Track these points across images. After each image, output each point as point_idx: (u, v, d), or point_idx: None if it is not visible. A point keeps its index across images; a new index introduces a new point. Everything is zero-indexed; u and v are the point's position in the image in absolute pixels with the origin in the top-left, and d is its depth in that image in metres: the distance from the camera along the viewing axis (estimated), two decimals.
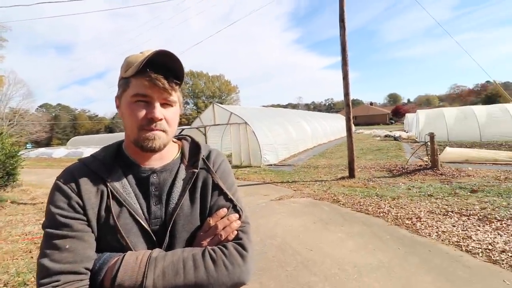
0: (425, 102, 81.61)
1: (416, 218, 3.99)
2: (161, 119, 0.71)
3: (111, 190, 0.71)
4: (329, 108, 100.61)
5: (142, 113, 0.70)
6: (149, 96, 0.70)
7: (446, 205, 4.46)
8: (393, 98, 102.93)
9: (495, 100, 39.48)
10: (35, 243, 3.93)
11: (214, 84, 56.59)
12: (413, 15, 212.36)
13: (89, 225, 0.68)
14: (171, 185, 0.77)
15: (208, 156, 0.85)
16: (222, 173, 0.83)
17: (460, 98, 69.77)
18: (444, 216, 4.00)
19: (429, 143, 7.38)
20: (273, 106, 59.48)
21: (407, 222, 3.89)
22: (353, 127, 8.39)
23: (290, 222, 4.23)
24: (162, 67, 0.70)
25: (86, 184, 0.71)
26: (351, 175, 7.16)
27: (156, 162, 0.79)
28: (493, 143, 11.67)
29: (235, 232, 0.74)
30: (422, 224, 3.76)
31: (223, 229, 0.74)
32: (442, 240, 3.31)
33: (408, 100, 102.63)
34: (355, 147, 7.50)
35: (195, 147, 0.87)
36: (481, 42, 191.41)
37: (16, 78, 30.21)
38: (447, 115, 14.61)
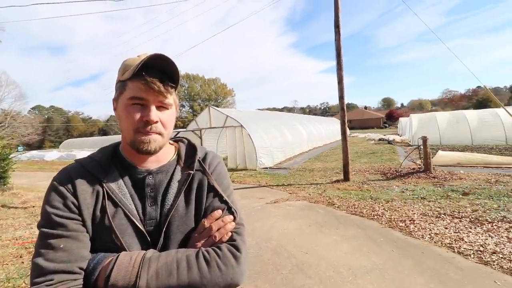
0: (418, 107, 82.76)
1: (410, 220, 4.04)
2: (156, 122, 0.72)
3: (106, 191, 0.72)
4: (325, 111, 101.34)
5: (138, 115, 0.71)
6: (145, 99, 0.71)
7: (439, 207, 4.52)
8: (387, 102, 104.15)
9: (486, 105, 40.27)
10: (26, 248, 3.86)
11: (210, 87, 56.65)
12: (406, 21, 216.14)
13: (84, 225, 0.69)
14: (166, 186, 0.78)
15: (204, 158, 0.86)
16: (218, 175, 0.84)
17: (452, 102, 70.94)
18: (437, 219, 4.05)
19: (422, 147, 7.49)
20: (269, 109, 59.77)
21: (400, 224, 3.94)
22: (348, 131, 8.47)
23: (286, 225, 4.24)
24: (158, 70, 0.72)
25: (82, 184, 0.71)
26: (346, 178, 7.22)
27: (152, 164, 0.79)
28: (484, 147, 11.89)
29: (230, 234, 0.75)
30: (415, 227, 3.81)
31: (217, 230, 0.74)
32: (435, 242, 3.35)
33: (402, 105, 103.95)
34: (350, 150, 7.56)
35: (191, 149, 0.88)
36: (473, 48, 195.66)
37: (8, 80, 29.75)
38: (440, 119, 14.85)
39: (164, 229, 0.73)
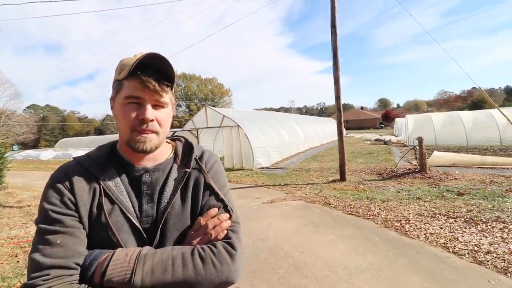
0: (414, 107, 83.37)
1: (405, 220, 4.07)
2: (152, 120, 0.73)
3: (103, 188, 0.73)
4: (321, 112, 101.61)
5: (134, 114, 0.72)
6: (141, 98, 0.72)
7: (434, 207, 4.56)
8: (383, 103, 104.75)
9: (481, 106, 40.72)
10: (21, 247, 3.83)
11: (207, 87, 56.48)
12: (403, 22, 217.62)
13: (81, 221, 0.70)
14: (163, 184, 0.79)
15: (201, 157, 0.86)
16: (214, 173, 0.85)
17: (447, 103, 71.60)
18: (432, 219, 4.09)
19: (417, 147, 7.55)
20: (265, 109, 59.78)
21: (396, 224, 3.97)
22: (344, 131, 8.51)
23: (282, 224, 4.25)
24: (153, 69, 0.72)
25: (79, 181, 0.72)
26: (342, 178, 7.25)
27: (149, 162, 0.80)
28: (479, 147, 12.02)
29: (225, 232, 0.76)
30: (410, 226, 3.84)
31: (213, 228, 0.75)
32: (430, 241, 3.38)
33: (398, 105, 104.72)
34: (346, 150, 7.60)
35: (188, 147, 0.88)
36: (468, 50, 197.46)
37: (3, 78, 29.43)
38: (435, 120, 14.98)
39: (160, 226, 0.74)
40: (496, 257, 2.90)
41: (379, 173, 7.86)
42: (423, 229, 3.72)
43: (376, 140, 19.85)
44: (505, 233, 3.42)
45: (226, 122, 10.98)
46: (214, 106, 18.10)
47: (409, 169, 7.77)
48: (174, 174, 0.80)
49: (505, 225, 3.65)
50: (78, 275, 0.65)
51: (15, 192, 7.95)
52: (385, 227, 3.93)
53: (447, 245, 3.25)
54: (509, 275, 2.57)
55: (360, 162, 10.46)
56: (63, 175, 0.73)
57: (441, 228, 3.73)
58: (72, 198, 0.70)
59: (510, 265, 2.72)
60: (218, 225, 0.75)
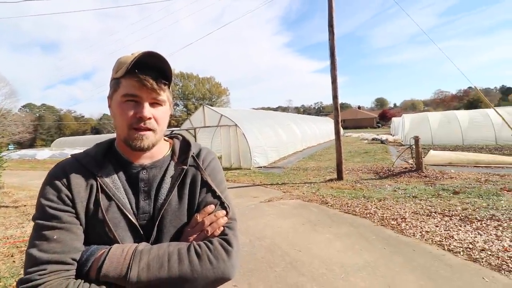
0: (411, 107, 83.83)
1: (401, 218, 4.11)
2: (149, 118, 0.74)
3: (100, 185, 0.73)
4: (319, 111, 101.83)
5: (132, 112, 0.73)
6: (138, 96, 0.73)
7: (430, 206, 4.60)
8: (380, 102, 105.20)
9: (477, 106, 41.08)
10: (17, 247, 3.81)
11: (205, 86, 56.37)
12: (400, 22, 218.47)
13: (78, 217, 0.70)
14: (160, 181, 0.79)
15: (198, 154, 0.87)
16: (211, 171, 0.85)
17: (443, 103, 72.04)
18: (428, 217, 4.12)
19: (414, 146, 7.60)
20: (263, 108, 59.81)
21: (392, 222, 4.00)
22: (342, 130, 8.54)
23: (279, 223, 4.27)
24: (151, 67, 0.73)
25: (76, 178, 0.73)
26: (339, 177, 7.28)
27: (146, 159, 0.81)
28: (475, 146, 12.13)
29: (221, 228, 0.76)
30: (406, 225, 3.87)
31: (209, 225, 0.75)
32: (425, 239, 3.41)
33: (395, 105, 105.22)
34: (344, 150, 7.63)
35: (185, 145, 0.89)
36: (465, 49, 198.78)
37: None
38: (431, 120, 15.08)
39: (157, 223, 0.74)
40: (490, 254, 2.94)
41: (376, 172, 7.91)
42: (419, 227, 3.75)
43: (373, 139, 19.95)
44: (499, 231, 3.47)
45: (224, 121, 10.97)
46: (211, 105, 18.05)
47: (406, 168, 7.83)
48: (171, 171, 0.81)
49: (499, 223, 3.69)
50: (75, 271, 0.66)
51: (10, 191, 7.90)
52: (382, 225, 3.96)
53: (443, 243, 3.29)
54: (503, 272, 2.61)
55: (357, 161, 10.51)
56: (60, 172, 0.73)
57: (437, 226, 3.77)
58: (69, 194, 0.70)
59: (504, 263, 2.76)
60: (214, 222, 0.76)
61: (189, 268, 0.66)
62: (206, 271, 0.67)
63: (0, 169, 7.46)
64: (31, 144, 48.18)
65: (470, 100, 54.74)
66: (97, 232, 0.71)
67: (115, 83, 0.75)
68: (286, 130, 14.70)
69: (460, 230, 3.59)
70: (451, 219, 3.96)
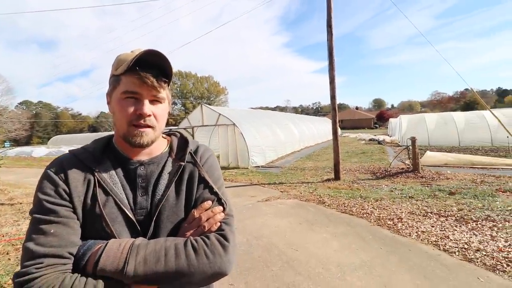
0: (408, 108, 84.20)
1: (398, 218, 4.13)
2: (149, 115, 0.74)
3: (98, 180, 0.73)
4: (317, 111, 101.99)
5: (132, 109, 0.73)
6: (138, 93, 0.73)
7: (426, 206, 4.63)
8: (378, 103, 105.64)
9: (473, 107, 41.40)
10: (13, 244, 3.78)
11: (203, 85, 56.28)
12: (398, 23, 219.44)
13: (75, 212, 0.70)
14: (157, 177, 0.79)
15: (196, 151, 0.88)
16: (209, 167, 0.86)
17: (440, 104, 72.47)
18: (424, 217, 4.15)
19: (411, 147, 7.64)
20: (261, 108, 59.80)
21: (389, 222, 4.02)
22: (339, 131, 8.57)
23: (277, 222, 4.27)
24: (151, 65, 0.73)
25: (73, 173, 0.73)
26: (337, 177, 7.31)
27: (144, 156, 0.81)
28: (471, 148, 12.21)
29: (218, 224, 0.77)
30: (403, 225, 3.90)
31: (206, 220, 0.76)
32: (421, 239, 3.44)
33: (392, 106, 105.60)
34: (341, 150, 7.66)
35: (183, 142, 0.89)
36: (462, 51, 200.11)
37: None
38: (428, 121, 15.17)
39: (154, 218, 0.75)
40: (485, 254, 2.97)
41: (373, 172, 7.95)
42: (415, 228, 3.78)
43: (370, 140, 20.03)
44: (494, 231, 3.50)
45: (222, 120, 10.96)
46: (210, 105, 18.04)
47: (402, 168, 7.87)
48: (168, 167, 0.81)
49: (494, 223, 3.73)
50: (71, 265, 0.66)
51: (6, 189, 7.83)
52: (378, 225, 3.98)
53: (438, 243, 3.31)
54: (497, 272, 2.63)
55: (354, 161, 10.55)
56: (58, 167, 0.74)
57: (433, 226, 3.79)
58: (67, 189, 0.70)
59: (498, 263, 2.78)
60: (211, 218, 0.76)
61: (186, 262, 0.67)
62: (203, 265, 0.68)
63: None
64: (27, 142, 47.82)
65: (466, 102, 55.14)
66: (94, 227, 0.71)
67: (115, 80, 0.76)
68: (284, 130, 14.71)
69: (456, 230, 3.62)
70: (446, 220, 3.99)
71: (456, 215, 4.12)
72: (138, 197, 0.76)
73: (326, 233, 3.80)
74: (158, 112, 0.77)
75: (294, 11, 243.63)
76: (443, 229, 3.69)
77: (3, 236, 4.12)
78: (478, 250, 3.06)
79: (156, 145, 0.82)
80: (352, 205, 4.92)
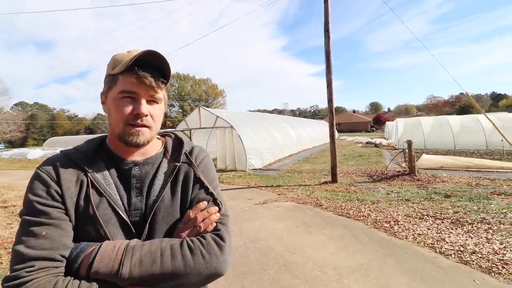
0: (404, 111, 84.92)
1: (394, 221, 4.14)
2: (146, 115, 0.74)
3: (91, 180, 0.72)
4: (314, 114, 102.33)
5: (129, 108, 0.73)
6: (136, 92, 0.73)
7: (422, 209, 4.65)
8: (375, 107, 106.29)
9: (468, 111, 41.77)
10: (5, 248, 3.73)
11: (201, 88, 56.22)
12: (395, 28, 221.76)
13: (67, 213, 0.69)
14: (152, 177, 0.79)
15: (191, 151, 0.87)
16: (204, 168, 0.85)
17: (436, 108, 73.02)
18: (420, 220, 4.17)
19: (407, 150, 7.68)
20: (259, 111, 59.86)
21: (385, 225, 4.03)
22: (337, 134, 8.61)
23: (274, 225, 4.26)
24: (150, 65, 0.73)
25: (66, 173, 0.71)
26: (334, 180, 7.32)
27: (139, 156, 0.80)
28: (466, 151, 12.32)
29: (214, 224, 0.76)
30: (399, 227, 3.91)
31: (202, 221, 0.75)
32: (418, 242, 3.45)
33: (389, 109, 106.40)
34: (338, 153, 7.68)
35: (178, 142, 0.89)
36: (457, 56, 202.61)
37: None
38: (424, 124, 15.29)
39: (149, 219, 0.74)
40: (481, 257, 2.98)
41: (370, 175, 7.97)
42: (411, 230, 3.79)
43: (367, 143, 20.14)
44: (490, 234, 3.52)
45: (220, 123, 10.95)
46: (208, 107, 18.01)
47: (399, 171, 7.90)
48: (164, 168, 0.81)
49: (489, 226, 3.75)
50: (64, 268, 0.64)
51: (0, 191, 7.74)
52: (375, 228, 3.99)
53: (434, 245, 3.32)
54: (493, 275, 2.65)
55: (351, 164, 10.58)
56: (49, 167, 0.72)
57: (429, 229, 3.81)
58: (59, 190, 0.69)
59: (494, 265, 2.80)
60: (207, 218, 0.76)
61: (182, 263, 0.66)
62: (199, 266, 0.67)
63: None
64: (22, 143, 47.35)
65: (461, 106, 55.68)
66: (87, 228, 0.69)
67: (112, 79, 0.75)
68: (282, 133, 14.73)
69: (452, 233, 3.64)
70: (442, 222, 4.01)
71: (452, 218, 4.14)
72: (133, 198, 0.75)
73: (323, 236, 3.80)
74: (154, 113, 0.77)
75: (292, 16, 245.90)
76: (439, 231, 3.70)
77: None
78: (473, 253, 3.08)
79: (150, 146, 0.82)
80: (349, 208, 4.93)
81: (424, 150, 12.76)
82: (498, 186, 5.84)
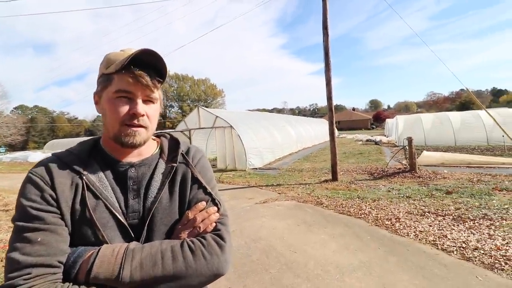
0: (404, 108, 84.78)
1: (395, 218, 4.13)
2: (143, 115, 0.73)
3: (86, 183, 0.70)
4: (314, 112, 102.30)
5: (125, 108, 0.71)
6: (132, 92, 0.72)
7: (423, 206, 4.64)
8: (374, 104, 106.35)
9: (469, 107, 41.72)
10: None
11: (200, 88, 56.21)
12: (393, 24, 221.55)
13: (63, 218, 0.67)
14: (149, 179, 0.78)
15: (187, 152, 0.86)
16: (201, 168, 0.85)
17: (436, 104, 73.02)
18: (422, 217, 4.15)
19: (407, 147, 7.67)
20: (258, 110, 59.79)
21: (386, 222, 4.02)
22: (336, 132, 8.59)
23: (274, 224, 4.25)
24: (146, 65, 0.72)
25: (60, 176, 0.69)
26: (334, 178, 7.31)
27: (134, 157, 0.79)
28: (467, 147, 12.29)
29: (214, 224, 0.76)
30: (400, 225, 3.89)
31: (201, 221, 0.75)
32: (419, 239, 3.43)
33: (388, 106, 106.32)
34: (338, 151, 7.67)
35: (174, 143, 0.88)
36: (456, 52, 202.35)
37: None
38: (424, 121, 15.26)
39: (147, 222, 0.73)
40: (483, 253, 2.97)
41: (370, 173, 7.96)
42: (413, 227, 3.77)
43: (367, 140, 20.11)
44: (492, 230, 3.50)
45: (219, 122, 10.94)
46: (207, 107, 18.01)
47: (399, 168, 7.88)
48: (161, 169, 0.80)
49: (491, 222, 3.74)
50: (62, 274, 0.63)
51: (1, 195, 7.73)
52: (376, 225, 3.98)
53: (436, 242, 3.31)
54: (496, 271, 2.63)
55: (351, 162, 10.56)
56: (42, 170, 0.70)
57: (430, 226, 3.79)
58: (53, 194, 0.67)
59: (497, 261, 2.78)
60: (206, 218, 0.75)
61: (184, 264, 0.65)
62: (201, 266, 0.66)
63: None
64: (23, 147, 47.42)
65: (462, 102, 55.54)
66: (83, 233, 0.68)
67: (106, 79, 0.73)
68: (281, 132, 14.72)
69: (453, 229, 3.62)
70: (444, 219, 4.00)
71: (453, 214, 4.13)
72: (130, 200, 0.74)
73: (324, 234, 3.79)
74: (150, 113, 0.76)
75: (290, 14, 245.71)
76: (440, 228, 3.69)
77: None
78: (476, 249, 3.06)
79: (146, 147, 0.81)
80: (350, 206, 4.91)
81: (424, 147, 12.75)
82: (500, 182, 5.82)
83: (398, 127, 16.30)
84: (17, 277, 0.58)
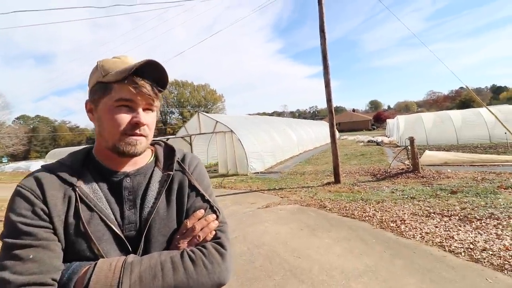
0: (404, 108, 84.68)
1: (400, 220, 4.06)
2: (145, 124, 0.72)
3: (79, 195, 0.67)
4: (314, 115, 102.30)
5: (127, 117, 0.69)
6: (134, 101, 0.70)
7: (428, 206, 4.57)
8: (374, 105, 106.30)
9: (469, 105, 41.64)
10: None
11: (200, 93, 56.48)
12: (390, 26, 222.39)
13: (55, 233, 0.63)
14: (145, 188, 0.75)
15: (183, 159, 0.84)
16: (198, 175, 0.83)
17: (436, 103, 72.95)
18: (427, 218, 4.09)
19: (409, 147, 7.61)
20: (258, 114, 59.91)
21: (391, 225, 3.95)
22: (337, 133, 8.56)
23: (277, 229, 4.19)
24: (148, 74, 0.71)
25: (51, 189, 0.66)
26: (337, 180, 7.24)
27: (129, 167, 0.77)
28: (469, 145, 12.21)
29: (213, 232, 0.74)
30: (406, 226, 3.82)
31: (201, 230, 0.73)
32: (425, 241, 3.37)
33: (389, 107, 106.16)
34: (340, 153, 7.61)
35: (169, 150, 0.86)
36: (453, 51, 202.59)
37: None
38: (425, 120, 15.20)
39: (144, 233, 0.70)
40: (492, 254, 2.89)
41: (373, 174, 7.89)
42: (419, 229, 3.70)
43: (368, 141, 20.03)
44: (499, 229, 3.43)
45: (219, 127, 10.92)
46: (207, 112, 18.01)
47: (402, 169, 7.82)
48: (157, 178, 0.77)
49: (498, 221, 3.66)
50: None
51: (2, 206, 7.72)
52: (381, 228, 3.91)
53: (443, 244, 3.24)
54: (506, 272, 2.56)
55: (353, 163, 10.50)
56: (32, 183, 0.66)
57: (436, 227, 3.72)
58: (45, 208, 0.63)
59: (506, 262, 2.71)
60: (206, 227, 0.74)
61: (185, 275, 0.63)
62: (202, 277, 0.64)
63: None
64: (25, 156, 47.63)
65: (462, 100, 55.52)
66: (78, 247, 0.64)
67: (104, 87, 0.70)
68: (282, 135, 14.69)
69: (460, 230, 3.55)
70: (450, 219, 3.93)
71: (459, 214, 4.06)
72: (126, 211, 0.71)
73: (328, 238, 3.72)
74: (150, 121, 0.75)
75: (286, 19, 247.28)
76: (447, 229, 3.62)
77: None
78: (484, 250, 2.99)
79: (141, 156, 0.78)
80: (354, 208, 4.85)
81: (426, 146, 12.67)
82: (505, 180, 5.74)
83: (399, 127, 16.24)
84: None
